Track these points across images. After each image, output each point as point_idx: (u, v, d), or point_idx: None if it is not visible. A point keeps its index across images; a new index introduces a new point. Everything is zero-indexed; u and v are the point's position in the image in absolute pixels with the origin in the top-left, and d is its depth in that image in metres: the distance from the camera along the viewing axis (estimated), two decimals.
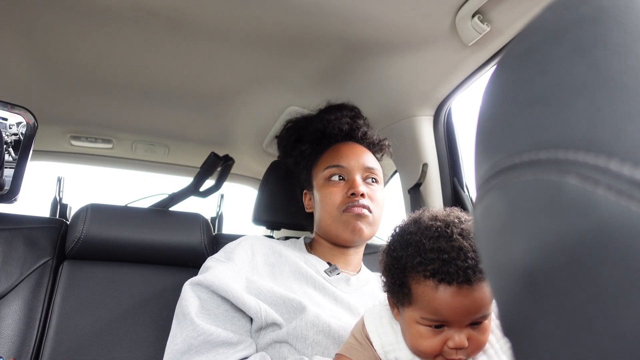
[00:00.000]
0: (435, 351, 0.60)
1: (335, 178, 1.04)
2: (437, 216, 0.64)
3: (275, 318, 0.83)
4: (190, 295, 0.86)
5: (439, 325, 0.60)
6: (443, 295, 0.57)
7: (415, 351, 0.63)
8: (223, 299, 0.85)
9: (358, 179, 1.02)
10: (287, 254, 0.99)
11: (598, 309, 0.19)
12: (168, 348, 0.81)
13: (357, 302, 0.94)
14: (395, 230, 0.68)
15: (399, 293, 0.63)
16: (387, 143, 1.17)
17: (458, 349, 0.59)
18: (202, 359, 0.77)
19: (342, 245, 1.04)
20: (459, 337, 0.59)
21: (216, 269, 0.89)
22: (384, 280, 0.68)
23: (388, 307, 0.71)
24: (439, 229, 0.61)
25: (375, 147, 1.15)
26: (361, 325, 0.72)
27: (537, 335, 0.22)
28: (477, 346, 0.61)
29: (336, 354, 0.72)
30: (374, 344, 0.67)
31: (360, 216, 0.99)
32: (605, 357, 0.19)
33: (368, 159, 1.08)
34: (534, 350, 0.23)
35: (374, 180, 1.06)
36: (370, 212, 1.00)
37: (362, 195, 1.00)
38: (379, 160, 1.14)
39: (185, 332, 0.80)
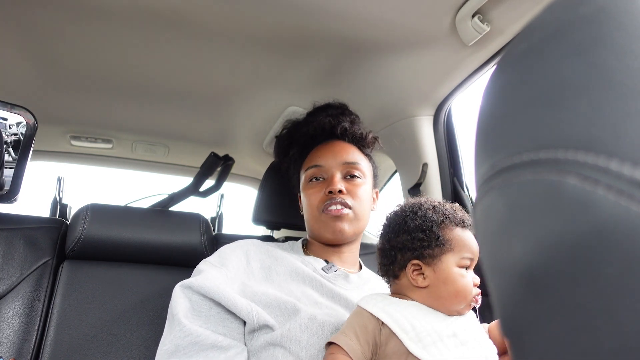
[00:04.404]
0: (472, 288, 0.74)
1: (315, 179, 1.04)
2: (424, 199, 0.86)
3: (267, 319, 0.82)
4: (179, 297, 0.86)
5: (467, 266, 0.77)
6: (470, 236, 0.77)
7: (459, 294, 0.74)
8: (215, 302, 0.84)
9: (337, 176, 1.02)
10: (283, 256, 0.98)
11: (598, 308, 0.19)
12: (158, 350, 0.81)
13: (357, 299, 0.93)
14: (415, 203, 0.83)
15: (437, 246, 0.76)
16: (372, 137, 1.14)
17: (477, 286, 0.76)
18: None
19: (332, 244, 1.04)
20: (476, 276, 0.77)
21: (208, 273, 0.89)
22: (413, 243, 0.78)
23: (382, 295, 0.80)
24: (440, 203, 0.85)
25: (361, 142, 1.12)
26: (356, 312, 0.77)
27: (537, 335, 0.22)
28: None
29: (327, 342, 0.75)
30: (376, 313, 0.73)
31: (338, 217, 0.98)
32: (605, 357, 0.19)
33: (349, 154, 1.06)
34: (534, 350, 0.23)
35: (356, 175, 1.04)
36: (349, 208, 0.99)
37: (340, 191, 0.99)
38: (367, 154, 1.12)
39: (173, 333, 0.80)
